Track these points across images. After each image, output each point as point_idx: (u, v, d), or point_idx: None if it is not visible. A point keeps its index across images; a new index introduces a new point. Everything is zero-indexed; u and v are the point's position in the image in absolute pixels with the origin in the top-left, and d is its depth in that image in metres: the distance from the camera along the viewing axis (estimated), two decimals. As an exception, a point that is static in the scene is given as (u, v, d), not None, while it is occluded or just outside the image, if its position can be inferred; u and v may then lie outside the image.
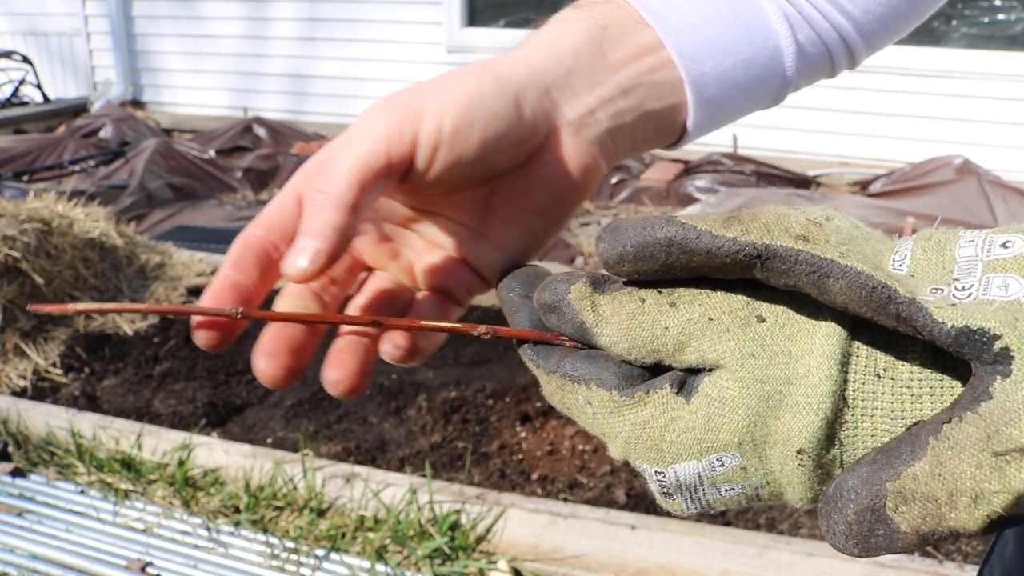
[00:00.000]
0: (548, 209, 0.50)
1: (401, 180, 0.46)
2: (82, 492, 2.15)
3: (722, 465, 0.37)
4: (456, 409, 2.52)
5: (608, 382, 0.39)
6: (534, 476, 2.22)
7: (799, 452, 0.36)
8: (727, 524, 2.02)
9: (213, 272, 3.46)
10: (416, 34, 6.10)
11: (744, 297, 0.37)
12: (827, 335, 0.35)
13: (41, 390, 2.67)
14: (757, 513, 2.07)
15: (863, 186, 4.80)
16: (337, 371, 0.46)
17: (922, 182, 4.40)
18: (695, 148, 4.89)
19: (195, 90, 6.83)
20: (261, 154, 5.37)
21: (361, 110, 0.47)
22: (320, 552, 1.93)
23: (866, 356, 0.35)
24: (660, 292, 0.39)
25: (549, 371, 0.41)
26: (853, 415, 0.35)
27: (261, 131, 5.80)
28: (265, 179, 5.11)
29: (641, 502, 2.09)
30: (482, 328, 0.44)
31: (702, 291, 0.38)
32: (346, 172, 0.43)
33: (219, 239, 4.01)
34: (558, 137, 0.49)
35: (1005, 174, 4.52)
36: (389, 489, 2.01)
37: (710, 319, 0.37)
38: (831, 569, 1.74)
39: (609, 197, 4.64)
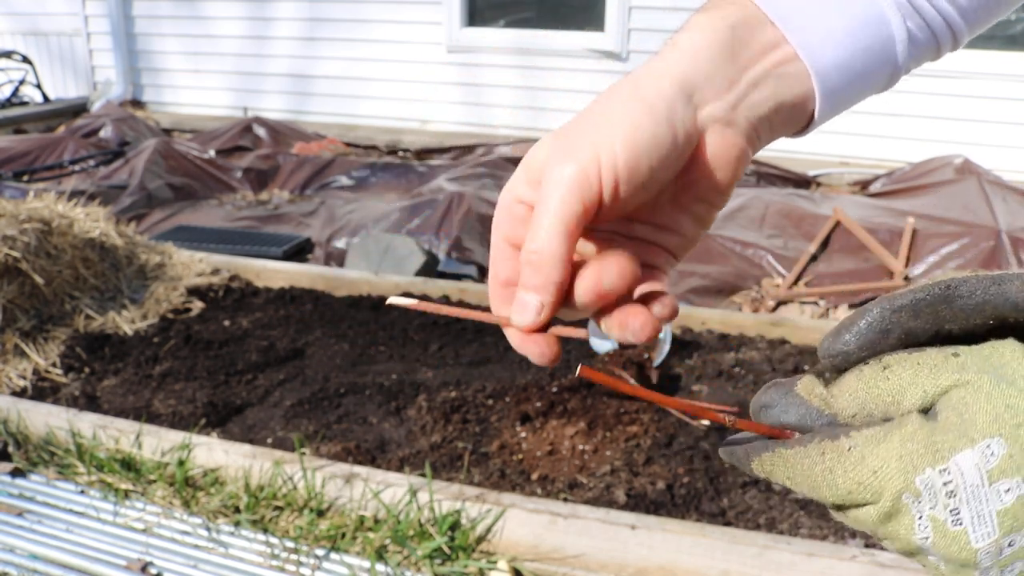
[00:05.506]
0: (707, 195, 0.57)
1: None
2: (82, 492, 2.15)
3: (993, 454, 0.41)
4: (456, 409, 2.52)
5: (864, 425, 0.45)
6: (534, 476, 2.21)
7: None
8: (727, 524, 2.01)
9: (213, 272, 3.45)
10: (416, 34, 6.10)
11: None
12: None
13: (41, 390, 2.67)
14: (757, 513, 2.07)
15: (863, 186, 4.80)
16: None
17: (922, 182, 4.40)
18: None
19: (195, 90, 6.83)
20: (261, 154, 5.36)
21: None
22: (320, 552, 1.93)
23: None
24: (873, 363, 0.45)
25: (808, 444, 0.46)
26: None
27: (261, 131, 5.80)
28: (265, 179, 5.11)
29: (641, 502, 2.09)
30: (731, 418, 0.50)
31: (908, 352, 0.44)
32: (552, 230, 0.50)
33: (219, 239, 4.01)
34: (708, 136, 0.55)
35: (1005, 174, 4.52)
36: (389, 489, 2.01)
37: (918, 363, 0.44)
38: (831, 569, 1.74)
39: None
